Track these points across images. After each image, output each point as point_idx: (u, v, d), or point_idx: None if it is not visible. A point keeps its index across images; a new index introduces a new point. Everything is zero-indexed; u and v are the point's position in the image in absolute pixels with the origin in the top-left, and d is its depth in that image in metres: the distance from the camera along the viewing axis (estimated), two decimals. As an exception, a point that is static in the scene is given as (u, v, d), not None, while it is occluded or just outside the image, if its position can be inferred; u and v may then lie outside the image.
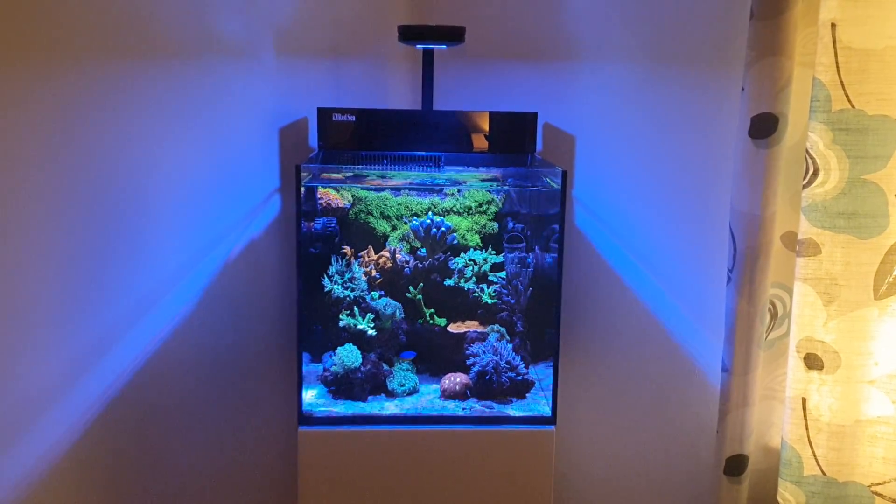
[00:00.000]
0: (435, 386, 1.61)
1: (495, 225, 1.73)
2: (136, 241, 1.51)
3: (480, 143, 1.63)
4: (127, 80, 1.45)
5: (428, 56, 1.60)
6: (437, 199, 1.73)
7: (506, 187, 1.73)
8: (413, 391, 1.59)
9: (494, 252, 1.70)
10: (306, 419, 1.50)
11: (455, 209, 1.73)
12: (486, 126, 1.63)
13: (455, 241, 1.69)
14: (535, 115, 1.63)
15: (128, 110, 1.46)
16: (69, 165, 1.39)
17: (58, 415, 1.44)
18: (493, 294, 1.67)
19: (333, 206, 1.68)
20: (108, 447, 1.54)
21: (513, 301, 1.67)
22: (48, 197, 1.38)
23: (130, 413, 1.56)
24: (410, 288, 1.66)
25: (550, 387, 1.53)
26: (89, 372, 1.48)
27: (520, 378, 1.58)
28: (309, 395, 1.57)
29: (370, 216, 1.71)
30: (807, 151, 1.35)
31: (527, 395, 1.59)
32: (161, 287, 1.57)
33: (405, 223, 1.71)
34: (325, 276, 1.62)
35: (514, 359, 1.59)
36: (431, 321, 1.67)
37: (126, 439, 1.57)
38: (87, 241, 1.44)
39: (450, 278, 1.68)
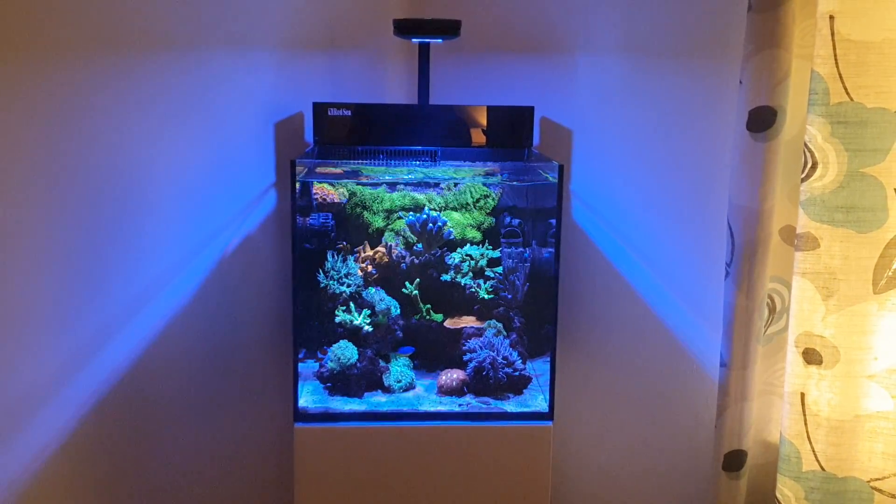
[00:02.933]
0: (431, 382, 1.61)
1: (492, 220, 1.73)
2: (130, 236, 1.50)
3: (477, 137, 1.62)
4: (120, 73, 1.44)
5: (424, 50, 1.59)
6: (433, 194, 1.72)
7: (503, 181, 1.72)
8: (409, 387, 1.59)
9: (491, 247, 1.69)
10: (302, 416, 1.49)
11: (451, 204, 1.72)
12: (482, 120, 1.62)
13: (452, 237, 1.68)
14: (531, 109, 1.62)
15: (122, 105, 1.45)
16: (64, 161, 1.38)
17: (53, 411, 1.43)
18: (490, 289, 1.66)
19: (329, 201, 1.67)
20: (104, 443, 1.53)
21: (510, 296, 1.66)
22: (42, 192, 1.37)
23: (126, 409, 1.55)
24: (407, 283, 1.65)
25: (548, 382, 1.52)
26: (85, 368, 1.47)
27: (517, 374, 1.58)
28: (305, 392, 1.56)
29: (366, 211, 1.70)
30: (805, 145, 1.34)
31: (524, 390, 1.59)
32: (156, 283, 1.56)
33: (401, 218, 1.70)
34: (320, 271, 1.61)
35: (511, 354, 1.59)
36: (428, 317, 1.66)
37: (121, 435, 1.56)
38: (82, 237, 1.43)
39: (446, 274, 1.67)
